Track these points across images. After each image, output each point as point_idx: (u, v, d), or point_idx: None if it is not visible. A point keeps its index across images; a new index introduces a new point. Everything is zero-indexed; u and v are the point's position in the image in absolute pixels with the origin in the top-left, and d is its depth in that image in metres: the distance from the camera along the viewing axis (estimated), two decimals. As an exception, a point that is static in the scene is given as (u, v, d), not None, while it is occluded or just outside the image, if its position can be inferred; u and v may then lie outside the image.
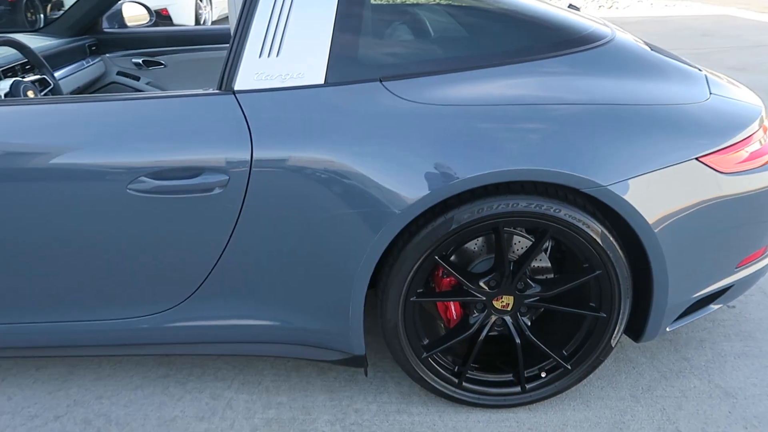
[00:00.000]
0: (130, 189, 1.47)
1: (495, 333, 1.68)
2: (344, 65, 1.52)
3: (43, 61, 2.21)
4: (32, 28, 9.25)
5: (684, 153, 1.50)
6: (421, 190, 1.44)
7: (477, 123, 1.46)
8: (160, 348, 1.72)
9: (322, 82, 1.52)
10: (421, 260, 1.52)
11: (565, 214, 1.47)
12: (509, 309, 1.64)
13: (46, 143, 1.47)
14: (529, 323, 1.67)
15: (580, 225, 1.48)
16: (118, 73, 2.83)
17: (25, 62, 2.23)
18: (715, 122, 1.57)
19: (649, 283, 1.57)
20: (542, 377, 1.69)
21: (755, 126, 1.63)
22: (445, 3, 1.70)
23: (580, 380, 1.69)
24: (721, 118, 1.58)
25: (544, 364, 1.70)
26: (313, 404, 1.75)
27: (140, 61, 2.85)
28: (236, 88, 1.51)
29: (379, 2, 1.63)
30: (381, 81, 1.52)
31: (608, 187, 1.44)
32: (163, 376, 1.87)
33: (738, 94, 1.74)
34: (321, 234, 1.51)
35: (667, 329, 1.68)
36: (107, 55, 2.85)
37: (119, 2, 2.75)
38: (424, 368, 1.66)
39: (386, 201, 1.45)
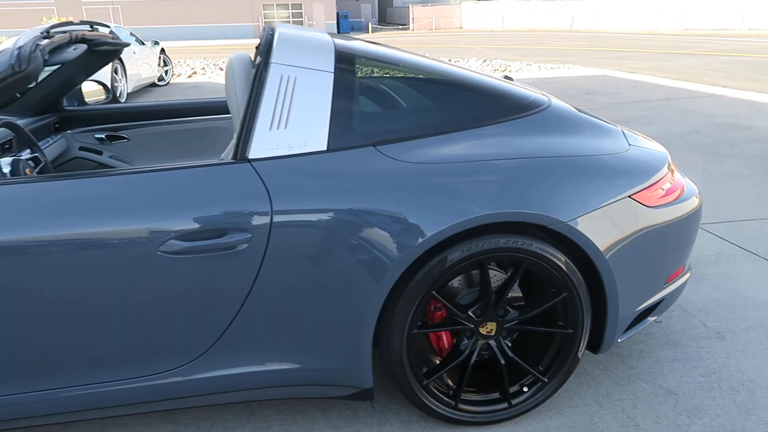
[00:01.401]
0: (160, 251, 1.62)
1: (483, 356, 1.93)
2: (342, 134, 1.78)
3: (35, 140, 2.29)
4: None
5: (619, 192, 1.88)
6: (418, 236, 1.69)
7: (461, 176, 1.75)
8: (177, 402, 1.82)
9: (325, 149, 1.77)
10: (421, 296, 1.76)
11: (536, 248, 1.78)
12: (493, 334, 1.91)
13: (79, 214, 1.59)
14: (510, 345, 1.94)
15: (548, 256, 1.80)
16: (81, 149, 2.91)
17: (8, 140, 2.31)
18: (638, 167, 1.97)
19: (603, 300, 1.90)
20: (525, 392, 1.95)
21: (665, 169, 2.05)
22: (418, 77, 2.02)
23: (555, 391, 1.97)
24: (641, 164, 1.99)
25: (525, 380, 1.97)
26: (324, 441, 1.90)
27: (103, 136, 2.95)
28: (251, 156, 1.72)
29: (363, 79, 1.92)
30: (374, 146, 1.80)
31: (568, 223, 1.77)
32: (172, 432, 1.95)
33: (647, 144, 2.17)
34: (333, 280, 1.72)
35: (619, 340, 2.02)
36: (68, 132, 2.93)
37: (80, 83, 2.87)
38: (426, 394, 1.88)
39: (389, 247, 1.69)
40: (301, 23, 39.58)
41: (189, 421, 2.00)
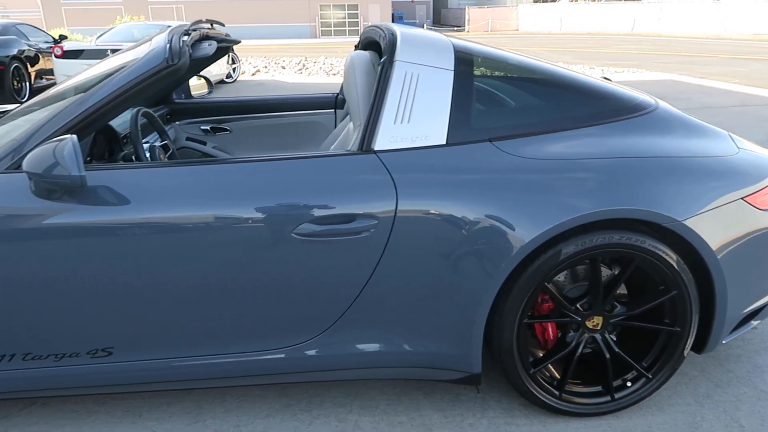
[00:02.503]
0: (294, 233, 1.74)
1: (588, 349, 1.98)
2: (461, 128, 1.87)
3: (165, 129, 2.47)
4: (18, 97, 9.33)
5: (732, 194, 1.89)
6: (534, 229, 1.76)
7: (576, 172, 1.81)
8: (294, 376, 1.94)
9: (444, 143, 1.85)
10: (533, 288, 1.83)
11: (649, 245, 1.82)
12: (599, 328, 1.96)
13: (223, 197, 1.73)
14: (615, 339, 1.99)
15: (660, 253, 1.83)
16: (187, 139, 3.10)
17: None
18: (749, 170, 1.97)
19: (712, 300, 1.92)
20: (628, 386, 1.99)
21: (776, 172, 2.05)
22: (530, 77, 2.09)
23: (658, 388, 2.00)
24: (752, 167, 1.99)
25: (627, 375, 2.01)
26: (430, 422, 1.98)
27: (208, 127, 3.13)
28: (376, 148, 1.83)
29: (480, 77, 2.00)
30: (490, 141, 1.87)
31: (683, 222, 1.80)
32: (286, 405, 2.08)
33: (755, 148, 2.17)
34: (450, 269, 1.80)
35: (723, 341, 2.03)
36: (177, 123, 3.13)
37: (191, 78, 3.06)
38: (532, 382, 1.94)
39: (505, 239, 1.76)
40: (356, 24, 40.01)
41: (300, 396, 2.12)
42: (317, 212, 1.75)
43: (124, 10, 32.08)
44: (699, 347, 2.03)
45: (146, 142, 2.31)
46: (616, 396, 1.98)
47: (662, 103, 2.19)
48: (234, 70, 12.26)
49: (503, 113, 1.99)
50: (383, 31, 2.12)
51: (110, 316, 1.78)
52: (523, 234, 1.76)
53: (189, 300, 1.79)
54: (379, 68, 1.92)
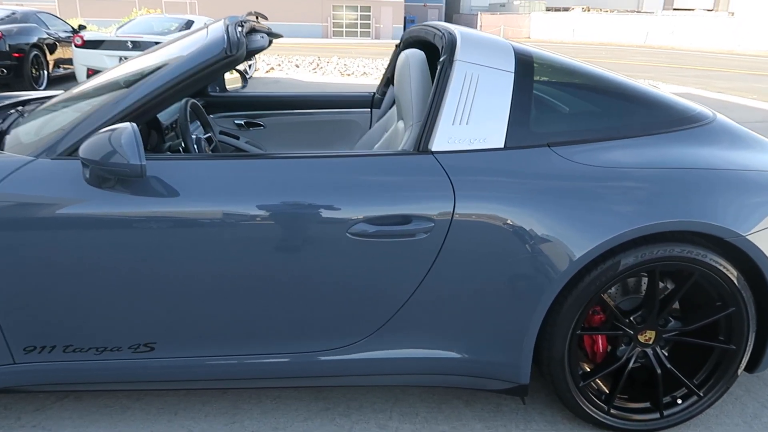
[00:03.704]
0: (349, 233, 1.70)
1: (638, 364, 1.93)
2: (519, 132, 1.82)
3: (210, 121, 2.43)
4: (36, 85, 9.31)
5: None
6: (594, 239, 1.71)
7: (638, 182, 1.76)
8: (338, 380, 1.89)
9: (503, 146, 1.81)
10: (590, 298, 1.78)
11: (710, 259, 1.77)
12: (651, 342, 1.91)
13: (280, 193, 1.69)
14: (666, 354, 1.93)
15: (721, 268, 1.78)
16: (221, 133, 3.05)
17: (174, 121, 2.46)
18: None
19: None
20: (678, 404, 1.94)
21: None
22: (588, 83, 2.04)
23: (709, 407, 1.95)
24: None
25: (677, 392, 1.95)
26: (473, 432, 1.94)
27: (242, 122, 3.09)
28: (433, 149, 1.78)
29: (539, 81, 1.95)
30: (549, 146, 1.83)
31: (746, 237, 1.75)
32: (324, 409, 2.03)
33: None
34: (506, 276, 1.75)
35: (776, 361, 1.97)
36: (211, 116, 3.09)
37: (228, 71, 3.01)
38: (581, 395, 1.89)
39: (563, 248, 1.71)
40: (368, 26, 40.04)
41: (338, 400, 2.07)
42: (372, 212, 1.70)
43: (138, 3, 32.16)
44: (751, 366, 1.97)
45: (195, 135, 2.27)
46: (666, 413, 1.93)
47: (719, 115, 2.14)
48: (250, 66, 12.23)
49: (562, 118, 1.94)
50: (439, 30, 2.08)
51: (155, 310, 1.74)
52: (582, 243, 1.71)
53: (236, 297, 1.74)
54: (439, 67, 1.87)
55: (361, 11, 39.93)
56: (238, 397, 2.08)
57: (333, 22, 39.51)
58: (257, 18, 2.39)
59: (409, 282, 1.76)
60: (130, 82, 1.82)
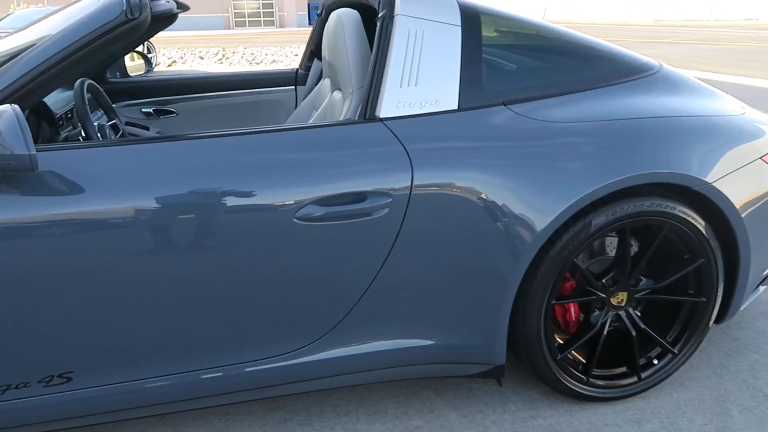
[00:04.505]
0: (296, 218, 1.47)
1: (612, 328, 1.83)
2: (472, 91, 1.65)
3: (113, 106, 2.09)
4: None
5: (752, 153, 1.79)
6: (563, 200, 1.58)
7: (598, 137, 1.64)
8: (295, 386, 1.67)
9: (456, 108, 1.63)
10: (563, 265, 1.65)
11: (679, 211, 1.69)
12: (623, 304, 1.81)
13: (209, 178, 1.43)
14: (640, 315, 1.85)
15: (690, 220, 1.70)
16: (127, 123, 2.70)
17: (70, 109, 2.10)
18: (761, 129, 1.89)
19: (736, 266, 1.82)
20: (654, 364, 1.86)
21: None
22: (537, 36, 1.90)
23: (683, 363, 1.89)
24: (763, 126, 1.91)
25: (651, 353, 1.88)
26: (449, 423, 1.77)
27: (151, 110, 2.75)
28: (381, 116, 1.58)
29: (487, 35, 1.79)
30: (504, 104, 1.67)
31: (713, 184, 1.68)
32: (281, 420, 1.80)
33: (750, 108, 2.10)
34: (474, 248, 1.59)
35: (741, 307, 1.94)
36: (113, 105, 2.72)
37: (128, 52, 2.66)
38: (559, 369, 1.77)
39: (532, 213, 1.57)
40: (272, 14, 39.00)
41: (296, 408, 1.85)
42: (321, 192, 1.48)
43: None
44: (719, 317, 1.93)
45: (97, 122, 1.93)
46: (643, 375, 1.85)
47: (665, 65, 2.07)
48: (149, 51, 11.45)
49: (514, 75, 1.79)
50: None
51: (68, 332, 1.43)
52: (552, 206, 1.57)
53: (165, 306, 1.47)
54: (378, 24, 1.66)
55: (262, 0, 38.80)
56: (180, 421, 1.80)
57: (234, 12, 38.16)
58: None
59: (369, 268, 1.56)
60: (3, 61, 1.49)
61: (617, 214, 1.64)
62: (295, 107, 2.85)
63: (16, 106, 1.25)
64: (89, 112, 1.79)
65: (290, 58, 13.58)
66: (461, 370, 1.73)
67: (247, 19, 38.68)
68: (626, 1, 32.73)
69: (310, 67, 2.80)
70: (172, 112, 2.78)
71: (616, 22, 30.31)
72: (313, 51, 2.76)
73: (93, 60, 1.48)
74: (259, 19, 38.97)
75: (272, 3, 38.86)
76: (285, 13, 39.02)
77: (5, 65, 1.42)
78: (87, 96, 1.83)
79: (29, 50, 1.42)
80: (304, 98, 2.77)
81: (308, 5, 40.58)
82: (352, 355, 1.65)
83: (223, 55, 14.70)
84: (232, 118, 2.83)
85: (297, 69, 2.87)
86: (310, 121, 2.20)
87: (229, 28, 37.33)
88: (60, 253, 1.36)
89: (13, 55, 1.46)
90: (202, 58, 14.49)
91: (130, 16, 1.46)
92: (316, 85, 2.73)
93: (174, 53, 15.60)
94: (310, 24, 40.37)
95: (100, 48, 1.46)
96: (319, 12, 2.67)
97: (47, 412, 1.49)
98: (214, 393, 1.62)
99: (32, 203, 1.33)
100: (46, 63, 1.39)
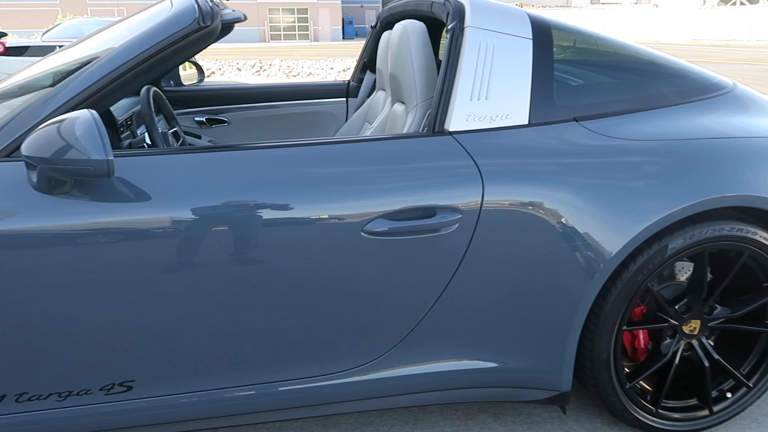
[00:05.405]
0: (364, 232, 1.43)
1: (685, 357, 1.74)
2: (543, 106, 1.60)
3: (174, 114, 2.09)
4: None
5: None
6: (639, 223, 1.50)
7: (675, 156, 1.57)
8: (350, 405, 1.62)
9: (527, 123, 1.58)
10: (636, 289, 1.57)
11: (760, 237, 1.60)
12: (696, 333, 1.72)
13: (280, 188, 1.40)
14: (713, 345, 1.75)
15: (771, 246, 1.61)
16: (179, 132, 2.71)
17: (129, 116, 2.11)
18: None
19: None
20: (727, 398, 1.76)
21: None
22: (610, 52, 1.84)
23: (759, 397, 1.78)
24: None
25: (724, 385, 1.78)
26: (509, 450, 1.70)
27: (203, 119, 2.75)
28: (451, 129, 1.54)
29: (559, 48, 1.73)
30: (576, 120, 1.61)
31: (798, 209, 1.59)
32: (335, 439, 1.75)
33: None
34: (543, 269, 1.53)
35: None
36: (161, 113, 2.73)
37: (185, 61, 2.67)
38: (627, 398, 1.68)
39: (605, 235, 1.50)
40: (306, 28, 39.56)
41: (351, 427, 1.79)
42: (390, 206, 1.44)
43: (61, 10, 30.53)
44: (795, 350, 1.82)
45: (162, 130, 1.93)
46: (715, 409, 1.75)
47: (738, 83, 1.99)
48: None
49: (586, 90, 1.73)
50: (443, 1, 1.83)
51: (130, 340, 1.41)
52: (626, 227, 1.50)
53: (230, 318, 1.44)
54: (449, 36, 1.63)
55: (298, 14, 39.41)
56: (231, 434, 1.77)
57: (270, 26, 38.82)
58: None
59: (433, 285, 1.51)
60: (76, 67, 1.49)
61: (695, 238, 1.56)
62: (346, 119, 2.83)
63: (94, 112, 1.24)
64: (155, 120, 1.78)
65: (326, 71, 13.69)
66: (524, 396, 1.66)
67: (282, 33, 39.30)
68: (662, 20, 32.32)
69: (362, 79, 2.78)
70: (224, 122, 2.79)
71: (651, 40, 29.93)
72: (366, 63, 2.74)
73: (164, 67, 1.48)
74: (294, 32, 39.56)
75: (307, 17, 39.41)
76: (319, 27, 39.53)
77: (79, 71, 1.42)
78: (152, 102, 1.83)
79: (102, 56, 1.42)
80: (355, 110, 2.75)
81: (342, 20, 41.07)
82: (410, 375, 1.60)
83: (261, 67, 14.91)
84: (282, 128, 2.83)
85: (349, 81, 2.85)
86: (365, 134, 2.16)
87: (265, 41, 37.97)
88: (126, 261, 1.34)
89: (86, 62, 1.46)
90: (239, 69, 14.71)
91: (202, 24, 1.45)
92: (368, 97, 2.70)
93: (212, 65, 15.87)
94: (344, 38, 40.83)
95: (172, 55, 1.45)
96: (373, 24, 2.65)
97: (106, 420, 1.47)
98: (270, 408, 1.58)
99: (103, 209, 1.32)
100: (119, 69, 1.39)
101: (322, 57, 19.37)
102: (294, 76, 13.30)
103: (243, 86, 2.85)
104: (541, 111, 1.59)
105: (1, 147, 1.33)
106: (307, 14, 39.38)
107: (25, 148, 1.23)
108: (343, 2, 40.70)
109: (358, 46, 28.24)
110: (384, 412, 1.86)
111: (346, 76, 12.62)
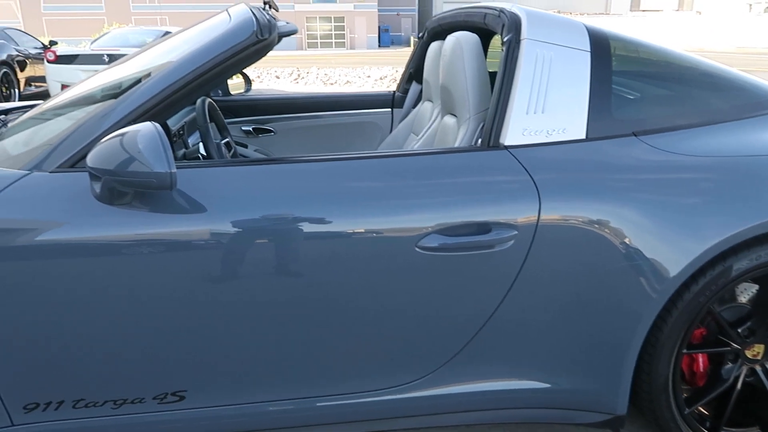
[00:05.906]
0: (418, 247, 1.41)
1: (747, 382, 1.67)
2: (601, 120, 1.56)
3: (226, 125, 2.13)
4: (7, 104, 8.77)
5: None
6: (702, 242, 1.45)
7: (738, 174, 1.51)
8: (397, 422, 1.60)
9: (584, 137, 1.54)
10: (698, 311, 1.51)
11: (831, 259, 1.52)
12: (759, 358, 1.65)
13: (335, 202, 1.40)
14: (777, 371, 1.68)
15: (842, 269, 1.53)
16: (227, 141, 2.74)
17: (181, 127, 2.15)
18: None
19: None
20: (793, 427, 1.68)
21: None
22: (669, 63, 1.79)
23: (826, 428, 1.70)
24: None
25: (787, 413, 1.70)
26: (560, 473, 1.65)
27: (250, 128, 2.79)
28: (506, 143, 1.51)
29: (617, 61, 1.69)
30: (635, 135, 1.57)
31: None
32: (381, 455, 1.72)
33: None
34: (601, 287, 1.48)
35: None
36: (213, 123, 2.77)
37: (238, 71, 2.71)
38: (686, 424, 1.62)
39: (666, 254, 1.45)
40: (343, 36, 39.93)
41: (396, 443, 1.77)
42: (445, 220, 1.42)
43: (107, 19, 31.53)
44: None
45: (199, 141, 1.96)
46: (779, 438, 1.67)
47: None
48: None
49: (645, 104, 1.69)
50: (491, 9, 1.81)
51: (185, 351, 1.42)
52: (689, 247, 1.45)
53: (285, 330, 1.44)
54: (504, 48, 1.60)
55: (335, 22, 39.83)
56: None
57: (307, 34, 39.32)
58: (269, 6, 2.10)
59: (487, 303, 1.48)
60: (136, 79, 1.52)
61: (761, 259, 1.50)
62: (391, 130, 2.82)
63: (157, 124, 1.26)
64: (210, 130, 1.81)
65: (363, 79, 13.76)
66: (576, 418, 1.62)
67: (319, 41, 39.77)
68: (706, 27, 31.54)
69: (408, 89, 2.77)
70: (271, 131, 2.81)
71: (695, 48, 29.23)
72: (412, 74, 2.74)
73: (222, 79, 1.49)
74: (330, 40, 39.99)
75: (344, 25, 39.80)
76: (356, 36, 39.86)
77: (139, 83, 1.44)
78: (208, 113, 1.86)
79: (163, 68, 1.44)
80: (400, 121, 2.74)
81: (378, 28, 41.32)
82: (459, 393, 1.57)
83: (298, 75, 15.07)
84: (328, 138, 2.84)
85: (394, 91, 2.85)
86: (411, 145, 2.15)
87: (302, 49, 38.46)
88: (182, 271, 1.35)
89: (146, 74, 1.49)
90: (278, 77, 14.91)
91: (260, 37, 1.46)
92: (414, 108, 2.69)
93: (251, 73, 16.12)
94: (380, 46, 41.05)
95: (231, 68, 1.47)
96: (420, 35, 2.64)
97: (158, 429, 1.48)
98: (315, 423, 1.57)
99: (161, 220, 1.34)
100: (180, 81, 1.41)
101: (358, 65, 19.49)
102: (332, 83, 13.41)
103: (289, 96, 2.88)
104: (598, 125, 1.56)
105: (65, 158, 1.36)
106: (343, 22, 39.77)
107: (90, 160, 1.25)
108: (379, 10, 40.96)
109: (394, 53, 28.35)
110: (429, 430, 1.83)
111: (383, 84, 12.65)
